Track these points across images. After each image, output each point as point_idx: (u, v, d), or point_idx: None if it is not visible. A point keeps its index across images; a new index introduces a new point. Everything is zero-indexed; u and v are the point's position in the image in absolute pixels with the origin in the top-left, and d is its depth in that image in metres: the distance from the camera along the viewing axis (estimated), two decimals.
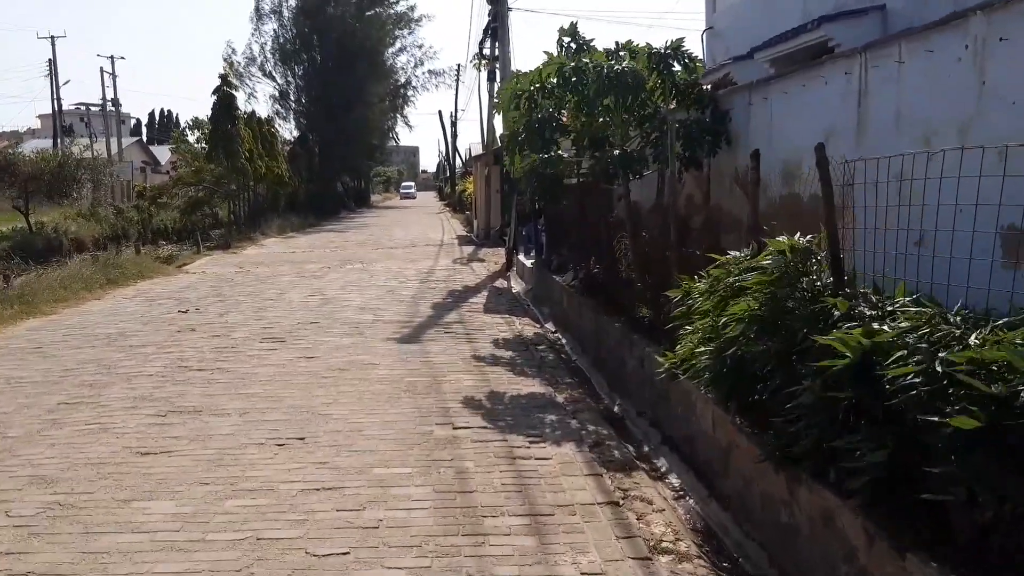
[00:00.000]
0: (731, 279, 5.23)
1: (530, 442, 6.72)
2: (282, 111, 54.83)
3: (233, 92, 32.22)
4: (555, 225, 15.33)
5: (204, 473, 6.08)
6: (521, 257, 19.72)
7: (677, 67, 10.24)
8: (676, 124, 8.76)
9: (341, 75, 53.05)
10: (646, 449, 6.82)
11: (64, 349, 10.91)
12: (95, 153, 57.36)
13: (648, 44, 10.23)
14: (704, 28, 14.78)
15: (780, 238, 4.83)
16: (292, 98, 54.89)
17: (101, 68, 66.83)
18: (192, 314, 13.71)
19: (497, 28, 22.28)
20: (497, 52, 27.53)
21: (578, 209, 13.15)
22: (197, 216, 35.30)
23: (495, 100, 30.32)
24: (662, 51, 10.07)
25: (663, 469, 6.32)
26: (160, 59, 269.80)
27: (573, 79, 9.97)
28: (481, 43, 30.36)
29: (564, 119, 11.36)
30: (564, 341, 11.57)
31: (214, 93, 31.65)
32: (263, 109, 65.35)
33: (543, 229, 16.95)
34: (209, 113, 31.90)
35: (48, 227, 34.60)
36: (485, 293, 16.21)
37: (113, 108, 66.17)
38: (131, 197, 43.85)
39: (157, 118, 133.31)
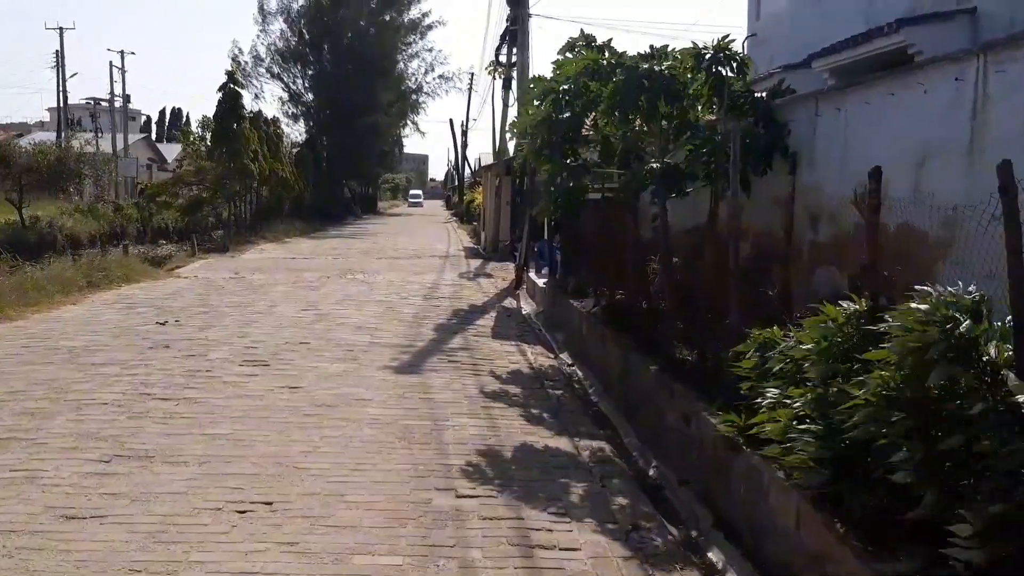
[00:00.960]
0: (838, 337, 3.91)
1: (552, 521, 5.40)
2: (291, 113, 53.67)
3: (239, 90, 31.05)
4: (573, 243, 14.03)
5: (137, 553, 4.76)
6: (532, 275, 18.41)
7: (725, 71, 8.95)
8: (739, 134, 7.44)
9: (351, 79, 51.87)
10: (694, 534, 5.49)
11: (16, 365, 9.62)
12: (99, 148, 56.69)
13: (693, 43, 8.95)
14: (746, 36, 13.53)
15: (924, 289, 3.49)
16: (300, 100, 53.71)
17: (110, 62, 65.49)
18: (170, 327, 12.42)
19: (516, 32, 21.04)
20: (515, 58, 26.34)
21: (601, 227, 11.88)
22: (198, 216, 34.17)
23: (512, 105, 29.13)
24: (709, 51, 8.79)
25: (720, 566, 4.99)
26: (174, 56, 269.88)
27: (610, 74, 8.72)
28: (498, 49, 29.22)
29: (587, 127, 10.11)
30: (582, 376, 10.26)
31: (220, 90, 30.46)
32: (271, 110, 64.18)
33: (558, 247, 15.66)
34: (214, 111, 30.69)
35: (43, 222, 33.55)
36: (493, 314, 14.91)
37: (120, 103, 65.22)
38: (134, 194, 42.77)
39: (168, 116, 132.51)
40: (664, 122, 9.00)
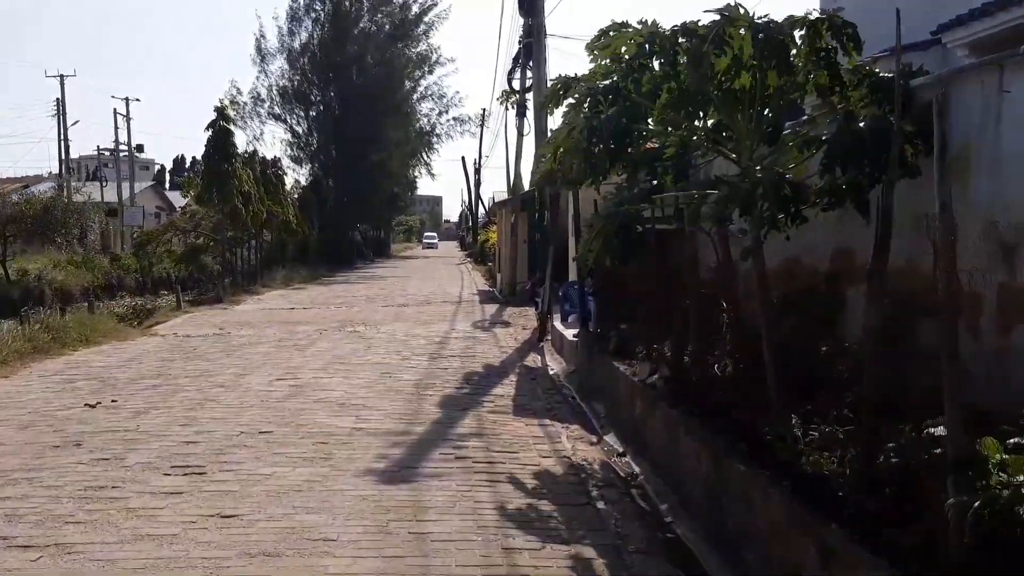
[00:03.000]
0: None
1: None
2: (294, 155, 51.41)
3: (229, 127, 28.63)
4: (612, 288, 11.21)
5: None
6: (558, 324, 15.59)
7: (835, 44, 6.20)
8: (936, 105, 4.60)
9: (358, 118, 49.59)
10: None
11: None
12: (103, 197, 54.64)
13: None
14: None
15: None
16: (304, 141, 51.45)
17: (115, 110, 63.75)
18: (101, 410, 9.67)
19: (531, 45, 18.47)
20: (530, 79, 23.84)
21: (658, 266, 9.10)
22: (198, 264, 31.75)
23: (527, 134, 26.59)
24: (817, 14, 6.05)
25: None
26: (190, 104, 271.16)
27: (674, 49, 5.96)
28: (510, 73, 26.82)
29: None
30: (640, 475, 7.39)
31: (208, 128, 28.06)
32: (273, 153, 61.77)
33: (591, 291, 12.85)
34: (203, 151, 28.29)
35: (31, 275, 31.17)
36: (514, 378, 12.05)
37: (126, 151, 63.47)
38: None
39: (185, 164, 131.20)
40: (754, 110, 6.22)
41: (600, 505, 6.43)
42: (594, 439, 8.68)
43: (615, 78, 6.55)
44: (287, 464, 7.33)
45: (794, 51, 5.99)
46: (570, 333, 13.72)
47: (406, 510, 6.11)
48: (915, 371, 5.62)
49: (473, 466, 7.29)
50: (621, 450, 8.22)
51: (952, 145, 5.83)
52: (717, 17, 5.87)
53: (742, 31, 5.67)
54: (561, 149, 6.76)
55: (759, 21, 5.56)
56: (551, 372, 12.85)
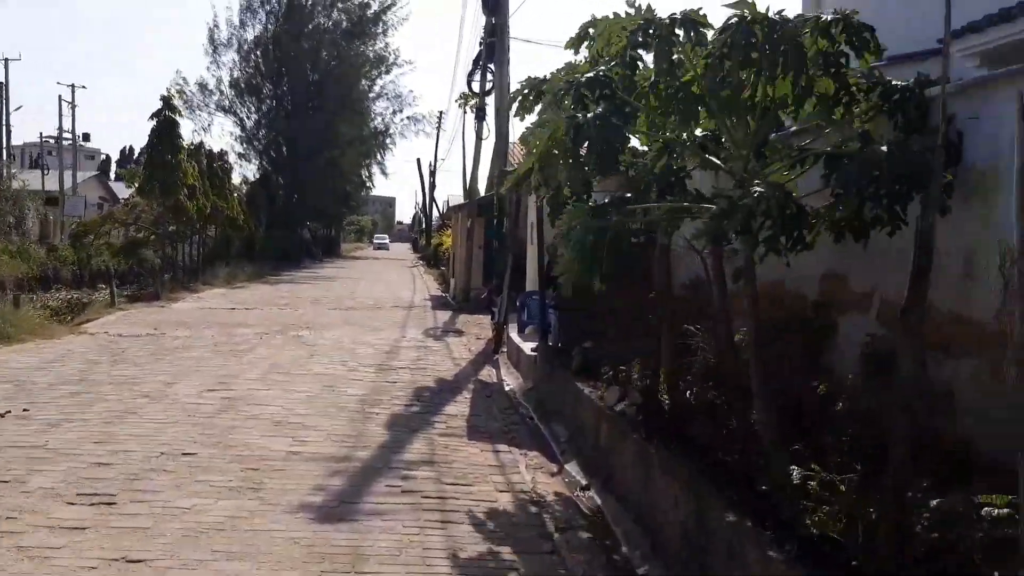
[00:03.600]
0: None
1: None
2: (244, 150, 49.99)
3: (175, 117, 27.33)
4: (577, 301, 10.47)
5: None
6: (514, 335, 14.86)
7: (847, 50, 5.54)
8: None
9: (311, 114, 48.50)
10: None
11: None
12: (43, 186, 52.58)
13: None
14: None
15: None
16: (255, 136, 50.04)
17: (59, 96, 61.51)
18: (10, 419, 8.69)
19: (495, 45, 17.73)
20: (491, 79, 23.11)
21: (629, 282, 8.38)
22: (138, 258, 30.31)
23: (486, 138, 25.91)
24: (830, 16, 5.38)
25: None
26: (137, 94, 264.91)
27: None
28: (470, 75, 26.03)
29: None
30: (608, 514, 6.66)
31: (153, 117, 26.76)
32: (221, 146, 59.84)
33: (553, 304, 12.13)
34: (146, 141, 26.97)
35: None
36: (468, 394, 11.26)
37: (70, 139, 61.36)
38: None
39: (132, 155, 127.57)
40: (753, 118, 5.54)
41: (565, 552, 5.68)
42: (555, 468, 7.95)
43: (602, 70, 5.83)
44: (210, 495, 6.45)
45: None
46: (528, 346, 13.00)
47: (344, 558, 5.29)
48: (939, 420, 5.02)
49: (422, 502, 6.50)
50: (584, 483, 7.49)
51: (973, 162, 5.23)
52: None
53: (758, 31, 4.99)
54: (541, 153, 6.01)
55: (775, 17, 4.88)
56: (507, 388, 12.09)
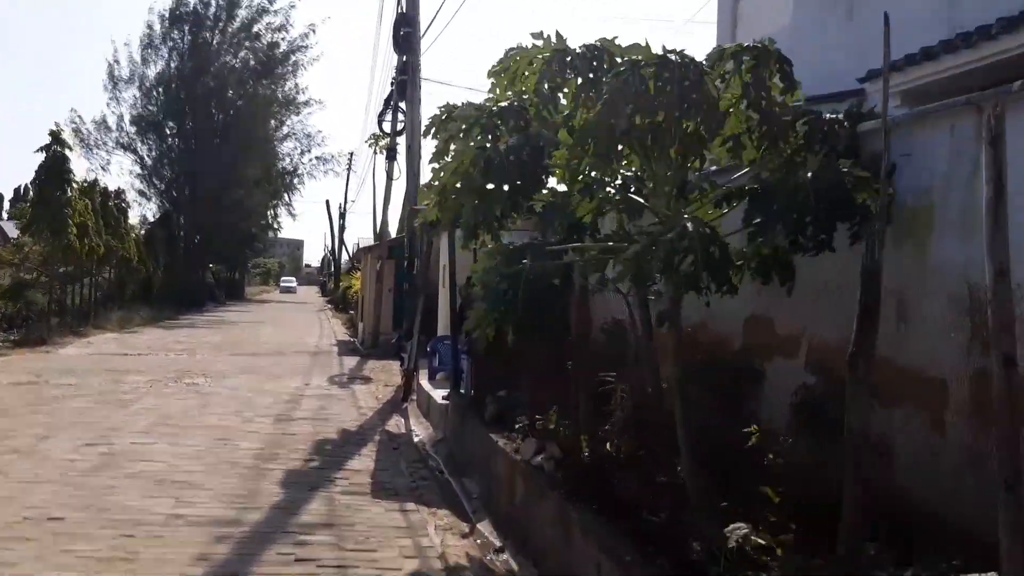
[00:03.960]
0: None
1: None
2: (144, 189, 48.17)
3: (66, 152, 25.96)
4: (490, 347, 9.95)
5: None
6: (425, 382, 14.25)
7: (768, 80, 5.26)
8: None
9: (215, 154, 47.05)
10: None
11: None
12: None
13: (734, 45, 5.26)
14: None
15: None
16: (156, 174, 48.30)
17: None
18: None
19: (406, 83, 17.29)
20: (402, 119, 22.69)
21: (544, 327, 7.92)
22: (22, 301, 28.42)
23: (397, 178, 25.44)
24: (749, 49, 5.09)
25: None
26: (34, 133, 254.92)
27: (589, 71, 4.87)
28: (381, 115, 25.73)
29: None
30: None
31: (41, 150, 25.34)
32: (118, 185, 57.72)
33: (465, 350, 11.59)
34: (32, 177, 25.48)
35: None
36: (373, 447, 10.57)
37: None
38: None
39: (28, 194, 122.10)
40: (674, 155, 5.19)
41: None
42: (466, 528, 7.35)
43: (515, 102, 5.40)
44: (75, 568, 5.64)
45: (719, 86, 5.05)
46: (439, 394, 12.41)
47: None
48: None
49: (318, 572, 5.82)
50: (499, 544, 6.92)
51: (904, 201, 4.98)
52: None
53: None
54: (446, 187, 5.51)
55: (674, 58, 4.55)
56: (416, 439, 11.45)
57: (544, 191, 5.53)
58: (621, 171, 5.55)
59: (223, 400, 13.59)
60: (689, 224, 4.43)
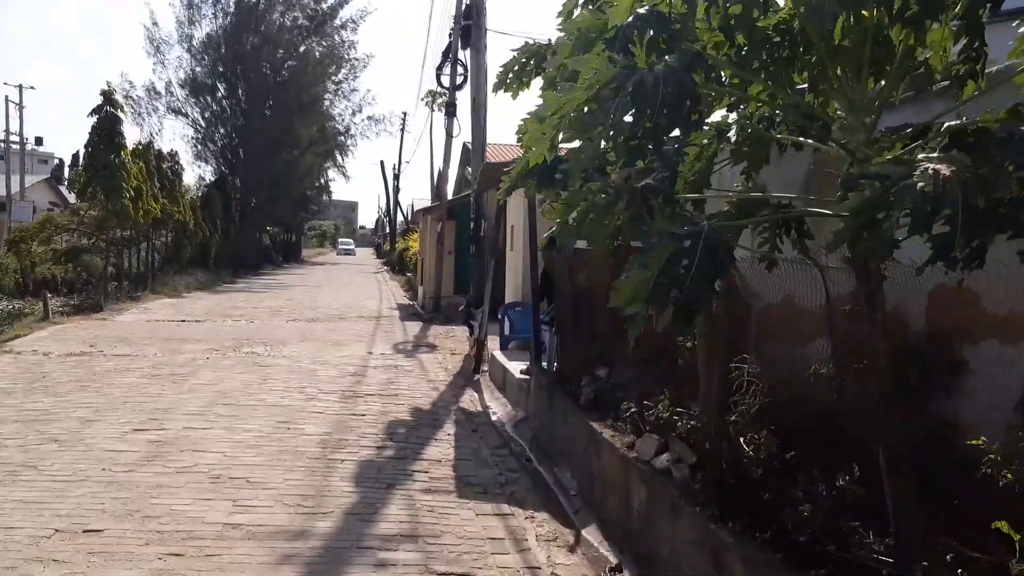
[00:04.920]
0: None
1: None
2: (199, 151, 47.64)
3: (118, 113, 25.17)
4: (584, 318, 8.72)
5: None
6: (497, 353, 13.12)
7: None
8: None
9: (267, 114, 46.33)
10: None
11: None
12: None
13: None
14: None
15: None
16: (209, 138, 47.70)
17: (7, 97, 58.44)
18: None
19: (471, 28, 15.95)
20: (462, 73, 21.39)
21: None
22: (80, 266, 28.01)
23: (457, 135, 24.24)
24: None
25: None
26: (93, 98, 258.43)
27: None
28: (439, 68, 24.34)
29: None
30: None
31: (92, 113, 24.58)
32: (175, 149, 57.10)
33: (547, 320, 10.40)
34: (86, 139, 24.74)
35: None
36: (451, 428, 9.47)
37: (18, 141, 58.50)
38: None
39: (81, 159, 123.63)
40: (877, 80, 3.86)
41: None
42: (571, 537, 6.20)
43: (653, 4, 4.09)
44: None
45: None
46: (515, 367, 11.27)
47: None
48: None
49: None
50: (614, 561, 5.75)
51: None
52: None
53: None
54: (566, 120, 4.23)
55: None
56: (494, 417, 10.34)
57: (704, 127, 4.23)
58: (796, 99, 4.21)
59: (284, 373, 12.62)
60: (933, 166, 3.10)
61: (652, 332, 7.54)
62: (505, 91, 5.42)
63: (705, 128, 4.19)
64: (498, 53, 50.23)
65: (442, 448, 8.47)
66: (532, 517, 6.48)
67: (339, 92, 52.11)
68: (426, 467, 7.68)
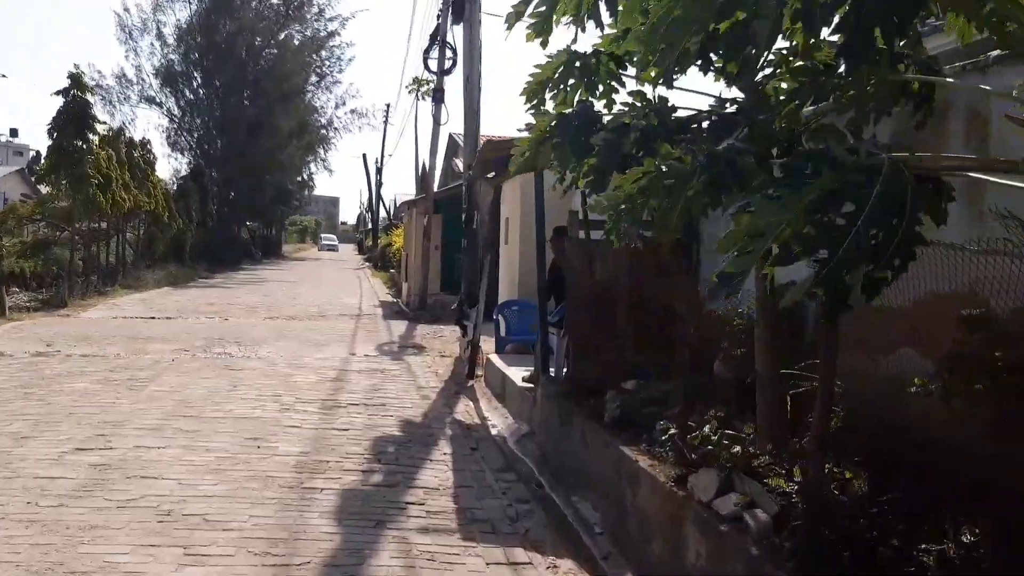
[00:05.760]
0: None
1: None
2: (175, 140, 46.09)
3: (87, 96, 23.72)
4: (604, 316, 7.48)
5: None
6: (494, 357, 11.91)
7: None
8: None
9: (246, 104, 44.89)
10: None
11: None
12: None
13: None
14: None
15: None
16: (185, 128, 46.13)
17: None
18: None
19: (463, 2, 14.68)
20: (450, 56, 20.17)
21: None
22: (48, 259, 26.48)
23: (445, 123, 23.01)
24: None
25: None
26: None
27: None
28: (426, 52, 23.11)
29: None
30: None
31: (58, 94, 23.11)
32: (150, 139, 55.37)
33: (555, 322, 9.17)
34: (50, 124, 23.22)
35: None
36: (446, 446, 8.21)
37: None
38: None
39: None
40: None
41: None
42: None
43: None
44: None
45: None
46: (515, 373, 10.07)
47: None
48: None
49: None
50: None
51: None
52: None
53: None
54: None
55: None
56: (494, 431, 9.11)
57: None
58: None
59: (257, 377, 11.33)
60: None
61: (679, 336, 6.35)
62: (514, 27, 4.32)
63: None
64: (490, 36, 49.29)
65: (439, 471, 7.22)
66: (554, 567, 5.26)
67: (322, 84, 50.79)
68: (421, 497, 6.42)
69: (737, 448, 5.14)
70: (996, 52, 4.58)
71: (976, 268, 3.57)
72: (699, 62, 3.48)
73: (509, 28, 4.69)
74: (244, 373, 11.67)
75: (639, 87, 4.13)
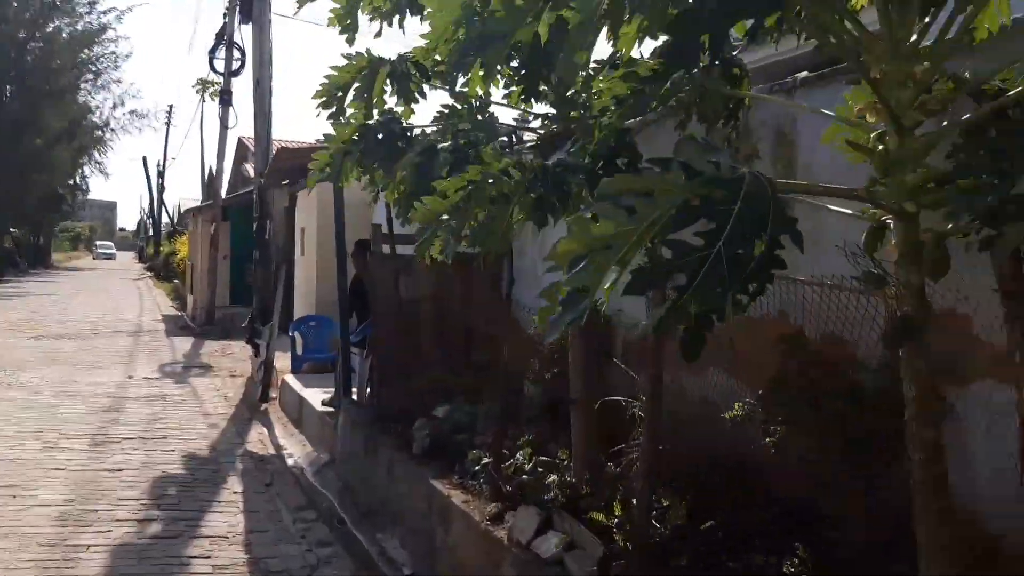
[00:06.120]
0: None
1: None
2: None
3: None
4: (412, 336, 7.05)
5: None
6: (290, 378, 11.16)
7: None
8: None
9: (8, 101, 40.82)
10: None
11: None
12: None
13: None
14: None
15: None
16: None
17: None
18: None
19: (252, 1, 13.79)
20: (239, 58, 19.11)
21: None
22: None
23: (233, 127, 21.75)
24: None
25: None
26: None
27: None
28: (212, 52, 21.74)
29: None
30: None
31: None
32: None
33: (358, 341, 8.63)
34: None
35: None
36: (237, 483, 7.46)
37: None
38: None
39: None
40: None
41: None
42: None
43: None
44: None
45: None
46: (313, 396, 9.46)
47: None
48: None
49: None
50: None
51: None
52: None
53: None
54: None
55: None
56: (291, 462, 8.44)
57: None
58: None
59: (16, 411, 9.98)
60: None
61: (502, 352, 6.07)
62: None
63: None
64: (282, 38, 47.59)
65: (228, 515, 6.52)
66: None
67: (98, 83, 47.02)
68: (207, 548, 5.73)
69: (554, 477, 4.91)
70: (804, 74, 4.59)
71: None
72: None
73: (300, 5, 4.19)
74: (0, 406, 10.28)
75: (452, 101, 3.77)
